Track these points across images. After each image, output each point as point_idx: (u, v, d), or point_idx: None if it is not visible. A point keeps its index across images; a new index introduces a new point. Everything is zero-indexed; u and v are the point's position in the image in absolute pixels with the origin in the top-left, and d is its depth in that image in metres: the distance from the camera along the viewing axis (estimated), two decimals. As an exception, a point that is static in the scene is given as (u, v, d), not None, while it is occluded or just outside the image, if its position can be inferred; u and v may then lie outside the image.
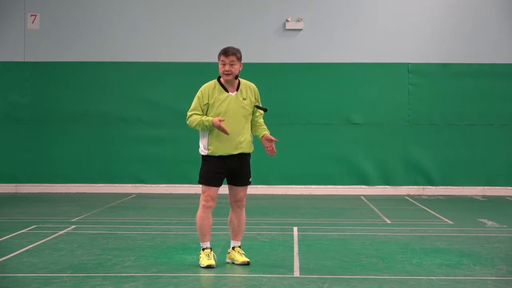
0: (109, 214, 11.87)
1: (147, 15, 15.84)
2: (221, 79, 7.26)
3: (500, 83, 15.55)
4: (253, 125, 7.40)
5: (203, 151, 7.26)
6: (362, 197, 14.96)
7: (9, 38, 15.79)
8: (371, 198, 14.70)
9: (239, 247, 7.43)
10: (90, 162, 15.70)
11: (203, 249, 7.27)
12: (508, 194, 15.41)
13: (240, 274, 7.03)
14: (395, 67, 15.63)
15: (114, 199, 14.14)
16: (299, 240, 9.03)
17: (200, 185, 7.29)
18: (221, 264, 7.41)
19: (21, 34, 15.78)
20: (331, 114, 15.64)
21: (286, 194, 15.46)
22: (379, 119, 15.62)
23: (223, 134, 7.09)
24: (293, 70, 15.65)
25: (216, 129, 7.11)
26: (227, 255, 7.51)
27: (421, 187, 15.60)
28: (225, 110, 7.15)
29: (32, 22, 15.77)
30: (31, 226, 10.10)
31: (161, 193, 15.50)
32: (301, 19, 15.70)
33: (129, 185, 15.68)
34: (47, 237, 9.10)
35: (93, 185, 15.69)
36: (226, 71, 7.14)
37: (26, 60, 15.75)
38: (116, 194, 15.20)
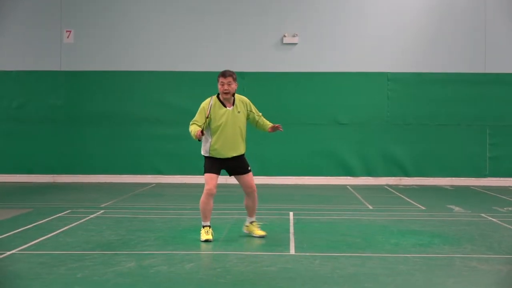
0: (133, 201, 11.87)
1: (166, 32, 15.81)
2: (220, 96, 7.59)
3: (465, 89, 15.51)
4: (258, 125, 7.81)
5: (205, 153, 7.69)
6: (348, 186, 14.94)
7: (48, 50, 15.77)
8: (356, 187, 14.69)
9: (255, 221, 7.91)
10: (116, 156, 15.68)
11: (203, 227, 7.57)
12: (472, 184, 15.38)
13: (243, 251, 7.03)
14: (376, 75, 15.59)
15: (137, 188, 14.13)
16: (294, 223, 9.02)
17: (204, 177, 7.66)
18: (227, 242, 7.41)
19: (57, 47, 15.76)
20: (321, 115, 15.62)
21: (283, 184, 15.44)
22: (363, 120, 15.59)
23: (222, 141, 7.51)
24: (289, 78, 15.62)
25: (216, 138, 7.51)
26: (244, 228, 7.94)
27: (398, 178, 15.57)
28: (224, 122, 7.54)
29: (67, 37, 15.75)
30: (66, 210, 10.11)
31: (177, 183, 15.48)
32: (297, 34, 15.67)
33: (150, 176, 15.66)
34: (80, 220, 9.11)
35: (119, 176, 15.67)
36: (225, 89, 7.51)
37: (61, 69, 15.74)
38: (139, 183, 15.18)
